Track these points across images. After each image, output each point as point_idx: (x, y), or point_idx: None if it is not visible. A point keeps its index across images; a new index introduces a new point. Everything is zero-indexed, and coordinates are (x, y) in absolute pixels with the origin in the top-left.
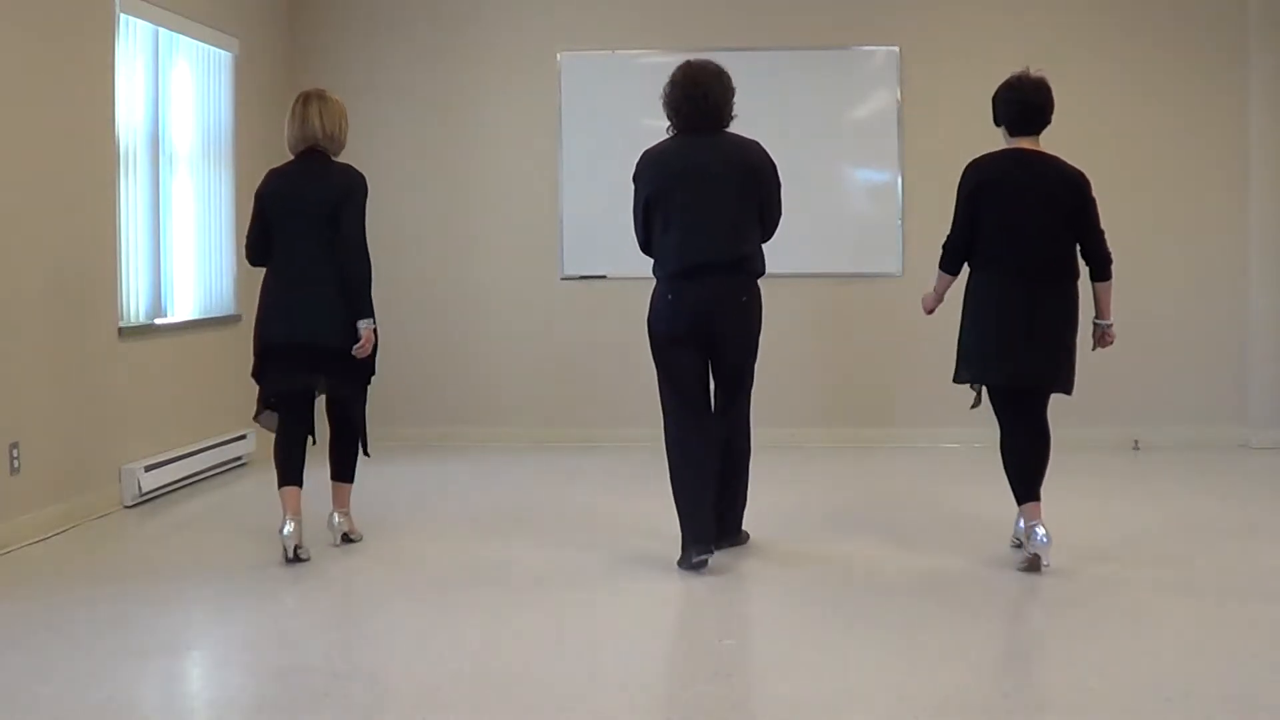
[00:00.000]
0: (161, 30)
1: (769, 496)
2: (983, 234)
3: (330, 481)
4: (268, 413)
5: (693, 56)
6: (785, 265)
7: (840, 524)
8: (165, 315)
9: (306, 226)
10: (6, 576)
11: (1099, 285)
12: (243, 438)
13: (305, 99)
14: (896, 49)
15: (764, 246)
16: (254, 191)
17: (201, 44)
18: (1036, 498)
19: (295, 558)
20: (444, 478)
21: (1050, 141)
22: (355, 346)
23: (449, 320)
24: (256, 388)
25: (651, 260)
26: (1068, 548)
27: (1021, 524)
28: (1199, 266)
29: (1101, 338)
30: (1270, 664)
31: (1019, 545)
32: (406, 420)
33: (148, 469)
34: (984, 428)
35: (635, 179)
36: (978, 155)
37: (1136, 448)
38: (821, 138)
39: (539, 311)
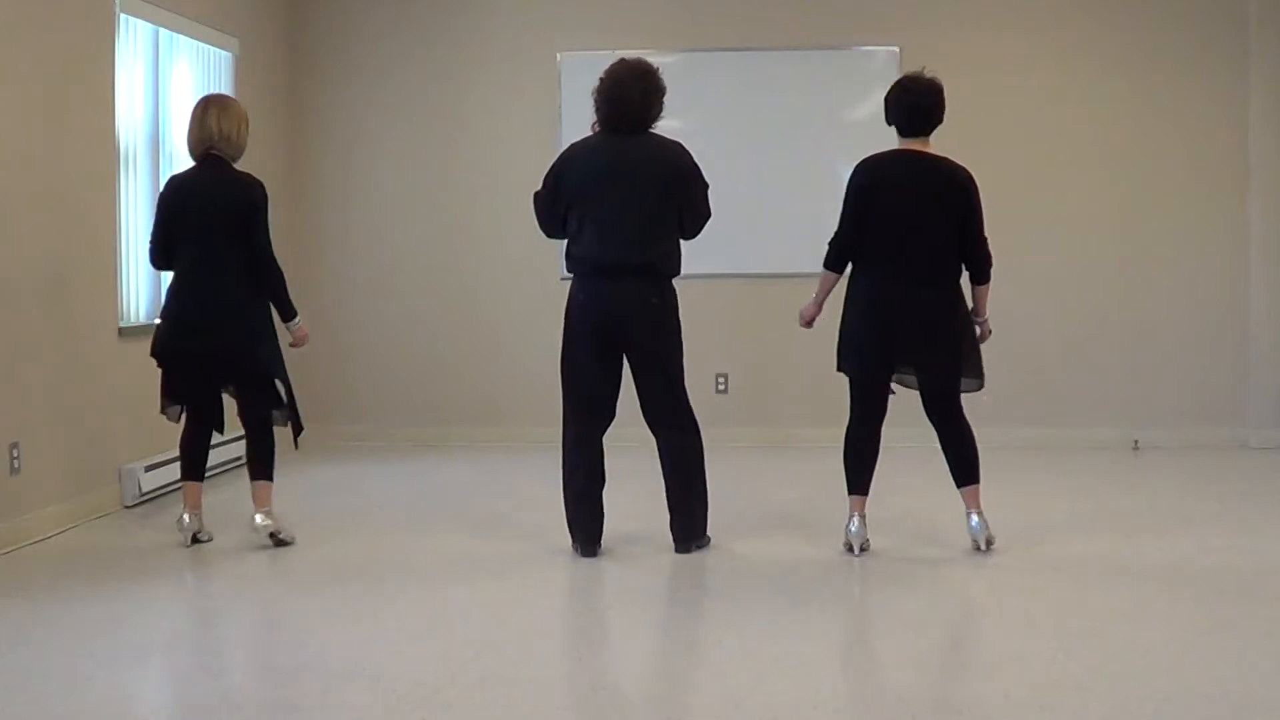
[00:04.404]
0: (161, 30)
1: (768, 496)
2: (868, 233)
3: (249, 482)
4: (173, 406)
5: (637, 55)
6: (785, 265)
7: (831, 524)
8: None
9: (204, 234)
10: (6, 576)
11: (978, 288)
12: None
13: (205, 103)
14: (896, 49)
15: (817, 247)
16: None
17: (201, 44)
18: (975, 480)
19: (195, 540)
20: (443, 478)
21: (1049, 142)
22: (290, 344)
23: (448, 320)
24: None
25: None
26: (1067, 548)
27: (854, 524)
28: (1199, 267)
29: (980, 335)
30: (1270, 664)
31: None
32: (405, 420)
33: (148, 469)
34: (984, 428)
35: (552, 172)
36: (875, 154)
37: (1136, 448)
38: (821, 138)
39: (539, 311)
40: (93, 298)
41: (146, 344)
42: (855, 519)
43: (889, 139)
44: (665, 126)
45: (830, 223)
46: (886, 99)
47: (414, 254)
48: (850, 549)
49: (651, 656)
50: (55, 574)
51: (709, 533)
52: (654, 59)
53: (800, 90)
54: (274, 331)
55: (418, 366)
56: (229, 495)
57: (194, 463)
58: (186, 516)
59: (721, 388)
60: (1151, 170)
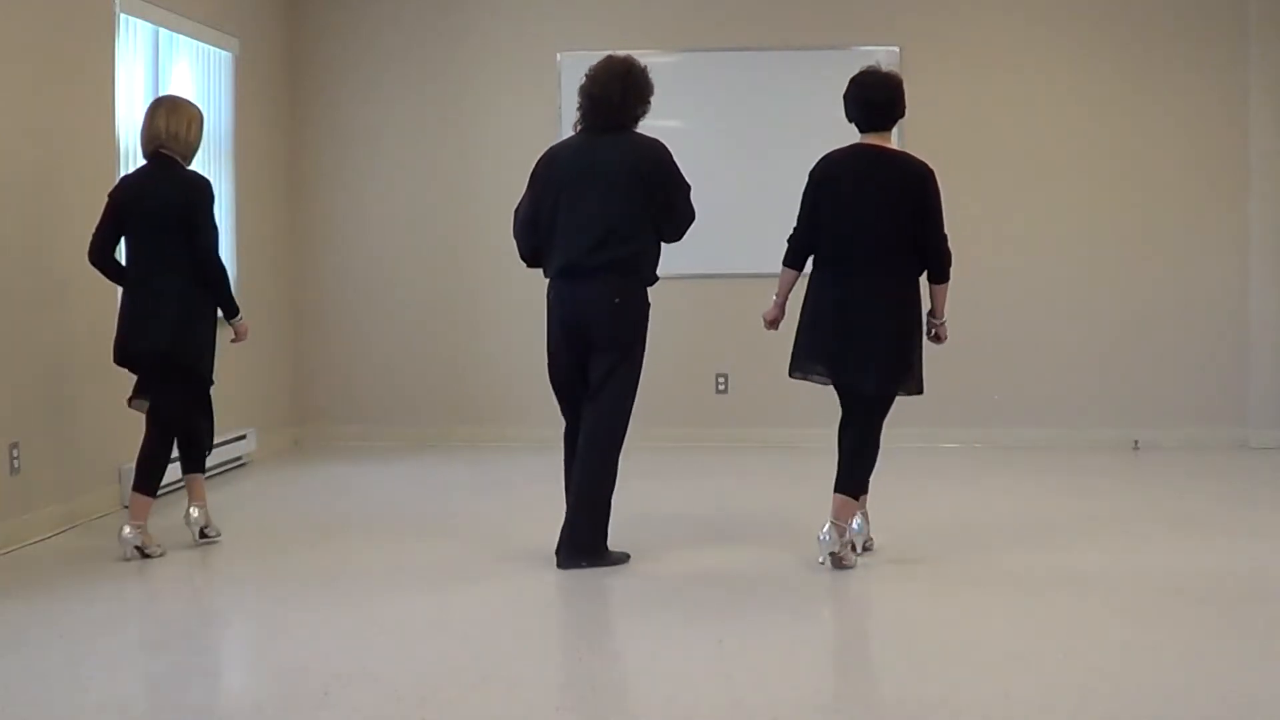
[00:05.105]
0: (161, 30)
1: (768, 497)
2: (821, 229)
3: (182, 476)
4: (140, 401)
5: (626, 53)
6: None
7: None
8: None
9: (149, 233)
10: (6, 576)
11: (935, 287)
12: (243, 438)
13: (156, 103)
14: (896, 49)
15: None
16: (215, 193)
17: (201, 44)
18: (845, 492)
19: (203, 536)
20: (442, 478)
21: (1049, 141)
22: (231, 339)
23: (448, 320)
24: (254, 387)
25: (530, 269)
26: (1067, 547)
27: (855, 522)
28: (1199, 267)
29: (935, 335)
30: (1270, 664)
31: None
32: (405, 419)
33: None
34: (984, 428)
35: (531, 175)
36: (917, 154)
37: (1136, 448)
38: (821, 138)
39: (538, 311)
40: (92, 297)
41: None
42: (856, 517)
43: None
44: (665, 126)
45: None
46: (844, 96)
47: (413, 254)
48: (852, 548)
49: (651, 657)
50: (55, 574)
51: (623, 551)
52: (654, 59)
53: (800, 90)
54: (212, 335)
55: (418, 366)
56: (228, 496)
57: (190, 457)
58: (194, 511)
59: (721, 388)
60: (1152, 170)
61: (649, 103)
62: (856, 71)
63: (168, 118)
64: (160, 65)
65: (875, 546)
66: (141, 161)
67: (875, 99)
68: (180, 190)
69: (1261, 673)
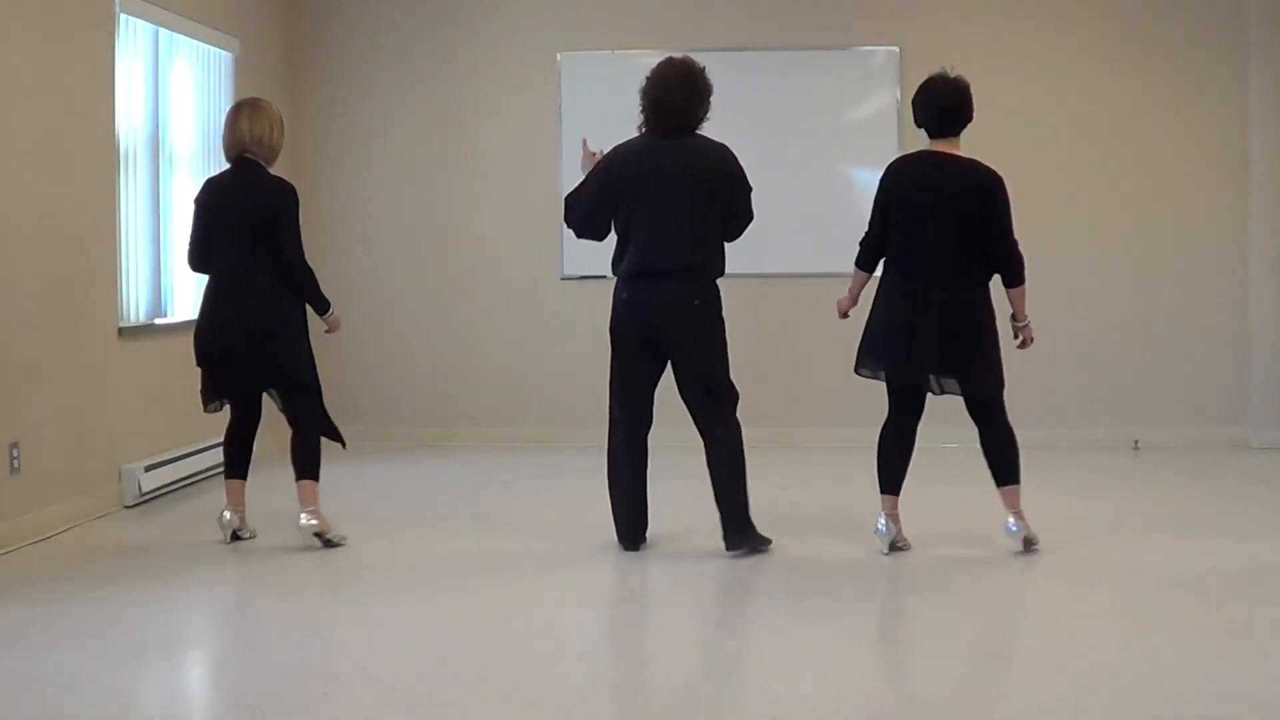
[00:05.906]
0: (161, 30)
1: (766, 496)
2: (891, 234)
3: (294, 481)
4: (216, 403)
5: (683, 54)
6: (785, 265)
7: (836, 523)
8: (165, 315)
9: (236, 237)
10: (6, 576)
11: (1010, 291)
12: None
13: (237, 106)
14: (896, 49)
15: (818, 247)
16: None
17: (201, 44)
18: (1010, 482)
19: (235, 538)
20: (441, 477)
21: (1049, 141)
22: (325, 331)
23: (448, 320)
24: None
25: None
26: (1067, 548)
27: (881, 522)
28: (1199, 267)
29: (1021, 341)
30: (1270, 664)
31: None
32: (405, 419)
33: (148, 469)
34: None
35: (598, 171)
36: (972, 156)
37: (1136, 448)
38: (821, 138)
39: (539, 311)
40: (93, 298)
41: (147, 344)
42: (881, 518)
43: (889, 139)
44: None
45: (830, 222)
46: (913, 101)
47: (413, 254)
48: (881, 550)
49: (652, 657)
50: (55, 574)
51: (765, 534)
52: (654, 59)
53: (800, 90)
54: (304, 333)
55: (417, 366)
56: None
57: (235, 460)
58: (227, 514)
59: None
60: (1152, 169)
61: (709, 103)
62: (927, 77)
63: (250, 121)
64: (160, 65)
65: (909, 546)
66: (182, 164)
67: (945, 104)
68: (263, 195)
69: (1261, 673)
